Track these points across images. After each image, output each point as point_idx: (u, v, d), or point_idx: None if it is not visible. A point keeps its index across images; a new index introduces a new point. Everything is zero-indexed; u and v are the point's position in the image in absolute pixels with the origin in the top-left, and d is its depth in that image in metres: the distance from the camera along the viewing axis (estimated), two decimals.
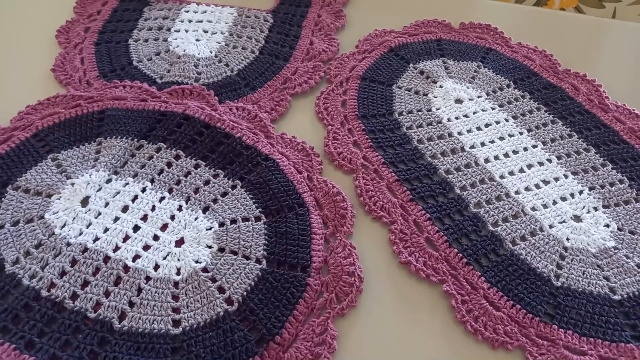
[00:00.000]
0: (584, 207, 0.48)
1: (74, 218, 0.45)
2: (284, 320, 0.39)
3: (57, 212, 0.46)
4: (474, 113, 0.56)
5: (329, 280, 0.42)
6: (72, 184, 0.48)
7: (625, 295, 0.41)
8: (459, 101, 0.58)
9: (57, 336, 0.38)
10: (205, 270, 0.42)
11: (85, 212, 0.46)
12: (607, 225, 0.46)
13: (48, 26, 0.66)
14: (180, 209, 0.47)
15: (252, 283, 0.41)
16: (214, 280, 0.41)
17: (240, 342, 0.38)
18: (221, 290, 0.41)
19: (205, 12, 0.69)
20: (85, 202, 0.47)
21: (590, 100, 0.57)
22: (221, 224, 0.45)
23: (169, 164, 0.50)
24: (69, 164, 0.50)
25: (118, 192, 0.48)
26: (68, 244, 0.43)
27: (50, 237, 0.44)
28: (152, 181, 0.49)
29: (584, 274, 0.43)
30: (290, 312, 0.40)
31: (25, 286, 0.41)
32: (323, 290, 0.42)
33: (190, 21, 0.68)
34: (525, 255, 0.44)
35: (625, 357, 0.38)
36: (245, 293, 0.41)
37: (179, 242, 0.44)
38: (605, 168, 0.51)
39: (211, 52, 0.63)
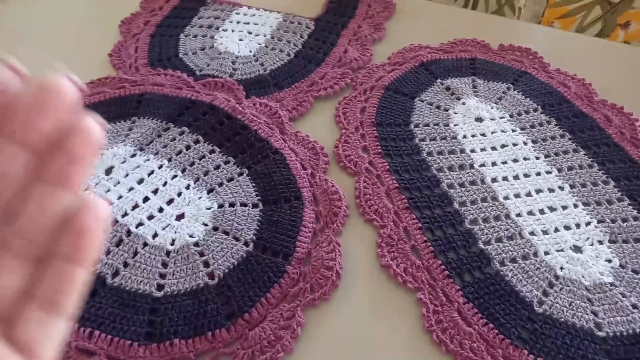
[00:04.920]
0: (587, 239, 0.45)
1: (97, 184, 0.51)
2: (256, 300, 0.41)
3: None
4: (492, 133, 0.55)
5: (308, 272, 0.44)
6: (102, 154, 0.53)
7: (612, 334, 0.39)
8: (479, 119, 0.57)
9: None
10: (196, 244, 0.45)
11: (107, 180, 0.51)
12: (609, 261, 0.44)
13: (115, 16, 0.73)
14: (188, 187, 0.50)
15: (236, 262, 0.44)
16: (202, 254, 0.44)
17: (212, 314, 0.40)
18: (206, 264, 0.44)
19: (254, 15, 0.74)
20: (109, 171, 0.52)
21: (621, 133, 0.55)
22: (220, 206, 0.48)
23: (188, 147, 0.54)
24: (104, 137, 0.55)
25: (138, 166, 0.52)
26: None
27: None
28: (169, 160, 0.53)
29: (570, 305, 0.41)
30: (264, 294, 0.42)
31: None
32: (300, 280, 0.43)
33: (238, 22, 0.72)
34: (511, 277, 0.43)
35: None
36: (227, 270, 0.43)
37: (180, 217, 0.48)
38: (621, 203, 0.48)
39: (250, 51, 0.67)
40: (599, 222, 0.47)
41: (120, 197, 0.49)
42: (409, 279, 0.43)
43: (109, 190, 0.50)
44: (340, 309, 0.42)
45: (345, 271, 0.44)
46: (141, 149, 0.54)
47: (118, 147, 0.54)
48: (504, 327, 0.39)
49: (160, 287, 0.42)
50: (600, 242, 0.45)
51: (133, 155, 0.54)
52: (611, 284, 0.42)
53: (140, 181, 0.51)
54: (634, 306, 0.41)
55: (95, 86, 0.62)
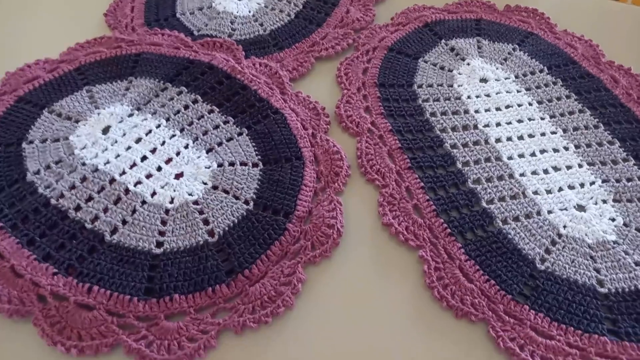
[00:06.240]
0: (591, 198, 0.45)
1: (94, 142, 0.50)
2: (256, 257, 0.41)
3: (80, 136, 0.50)
4: (497, 93, 0.54)
5: (309, 230, 0.43)
6: (98, 113, 0.52)
7: (613, 290, 0.39)
8: (484, 80, 0.56)
9: (55, 239, 0.42)
10: (195, 202, 0.45)
11: (104, 139, 0.50)
12: (613, 219, 0.43)
13: None
14: (186, 146, 0.49)
15: (236, 220, 0.43)
16: (201, 212, 0.44)
17: (212, 270, 0.40)
18: (206, 222, 0.43)
19: None
20: (106, 130, 0.51)
21: (628, 94, 0.53)
22: (220, 165, 0.48)
23: (186, 107, 0.53)
24: (100, 97, 0.54)
25: (136, 126, 0.51)
26: (83, 164, 0.48)
27: (69, 155, 0.48)
28: (167, 119, 0.52)
29: (572, 262, 0.40)
30: (264, 251, 0.41)
31: (40, 194, 0.45)
32: (301, 238, 0.43)
33: None
34: (514, 235, 0.42)
35: (596, 348, 0.36)
36: (227, 228, 0.43)
37: (179, 176, 0.47)
38: (626, 163, 0.47)
39: (249, 11, 0.65)
40: (604, 181, 0.46)
41: (117, 155, 0.48)
42: (411, 237, 0.42)
43: (106, 149, 0.49)
44: (342, 267, 0.42)
45: (347, 229, 0.44)
46: (138, 109, 0.53)
47: (115, 107, 0.53)
48: (505, 284, 0.39)
49: (159, 244, 0.42)
50: (604, 201, 0.45)
51: (130, 115, 0.52)
52: (614, 242, 0.42)
53: (138, 140, 0.50)
54: (637, 263, 0.40)
55: (91, 45, 0.60)
